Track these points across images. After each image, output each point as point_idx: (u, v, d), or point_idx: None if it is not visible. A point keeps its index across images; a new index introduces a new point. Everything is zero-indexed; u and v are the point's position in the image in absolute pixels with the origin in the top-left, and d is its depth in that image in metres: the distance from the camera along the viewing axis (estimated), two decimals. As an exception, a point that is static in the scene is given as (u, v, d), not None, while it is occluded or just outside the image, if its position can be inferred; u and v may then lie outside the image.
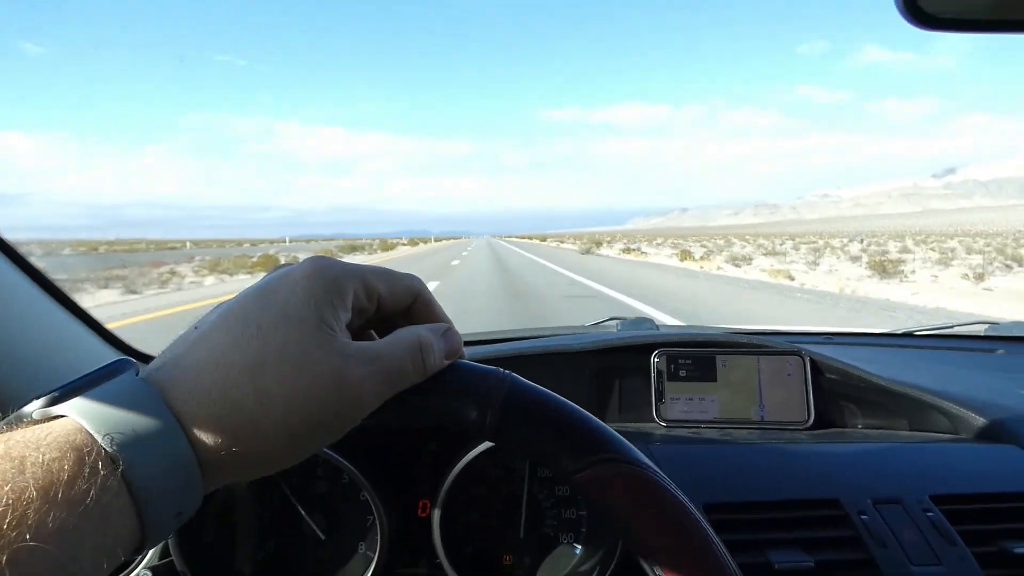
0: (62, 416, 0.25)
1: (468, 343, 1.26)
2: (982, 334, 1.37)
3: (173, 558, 0.58)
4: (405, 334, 0.33)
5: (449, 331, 0.35)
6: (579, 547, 0.67)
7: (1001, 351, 1.23)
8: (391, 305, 0.34)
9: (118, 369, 0.28)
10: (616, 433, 0.35)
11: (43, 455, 0.23)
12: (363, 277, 0.33)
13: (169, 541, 0.58)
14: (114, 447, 0.24)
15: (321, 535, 0.65)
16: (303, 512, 0.65)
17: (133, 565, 0.61)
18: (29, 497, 0.21)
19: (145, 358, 0.92)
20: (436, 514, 0.63)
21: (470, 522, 0.67)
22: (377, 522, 0.62)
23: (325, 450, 0.61)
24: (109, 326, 0.83)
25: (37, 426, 0.24)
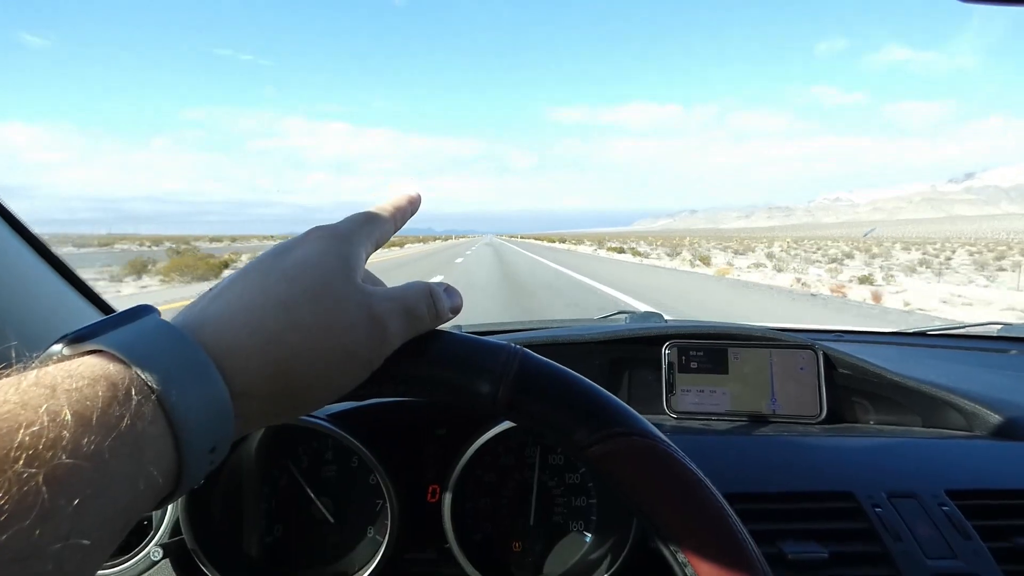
0: (93, 351, 0.25)
1: (477, 333, 1.25)
2: (995, 334, 1.36)
3: (184, 536, 0.58)
4: (415, 284, 0.35)
5: (450, 287, 0.38)
6: (589, 535, 0.66)
7: (1014, 352, 1.22)
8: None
9: (142, 311, 0.28)
10: (629, 407, 0.34)
11: (76, 382, 0.23)
12: (370, 230, 0.36)
13: (180, 518, 0.58)
14: (147, 376, 0.24)
15: (330, 518, 0.65)
16: (312, 495, 0.65)
17: (145, 540, 0.61)
18: (64, 420, 0.21)
19: None
20: (447, 499, 0.62)
21: (480, 508, 0.67)
22: (387, 506, 0.61)
23: (336, 429, 0.61)
24: None
25: (69, 360, 0.24)
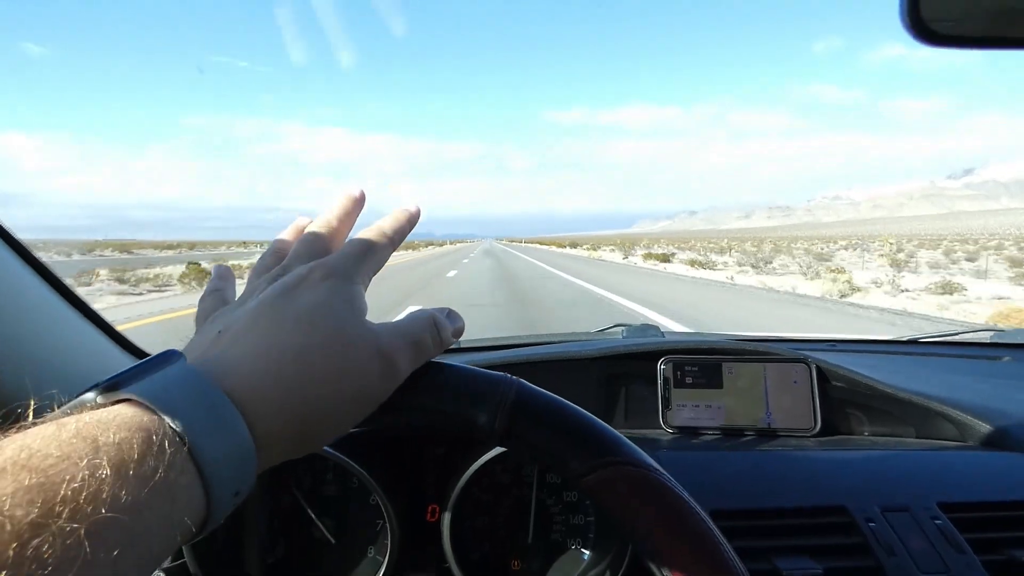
0: (125, 399, 0.26)
1: (475, 349, 1.26)
2: (987, 341, 1.37)
3: (186, 559, 0.58)
4: (419, 313, 0.37)
5: (452, 312, 0.39)
6: (587, 553, 0.67)
7: (1007, 358, 1.23)
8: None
9: (169, 358, 0.29)
10: (624, 437, 0.35)
11: (113, 435, 0.23)
12: (367, 262, 0.36)
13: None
14: (178, 426, 0.25)
15: (331, 538, 0.66)
16: (313, 515, 0.66)
17: None
18: (103, 474, 0.22)
19: None
20: (446, 518, 0.63)
21: (478, 527, 0.68)
22: (387, 526, 0.62)
23: (336, 453, 0.62)
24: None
25: (102, 409, 0.25)
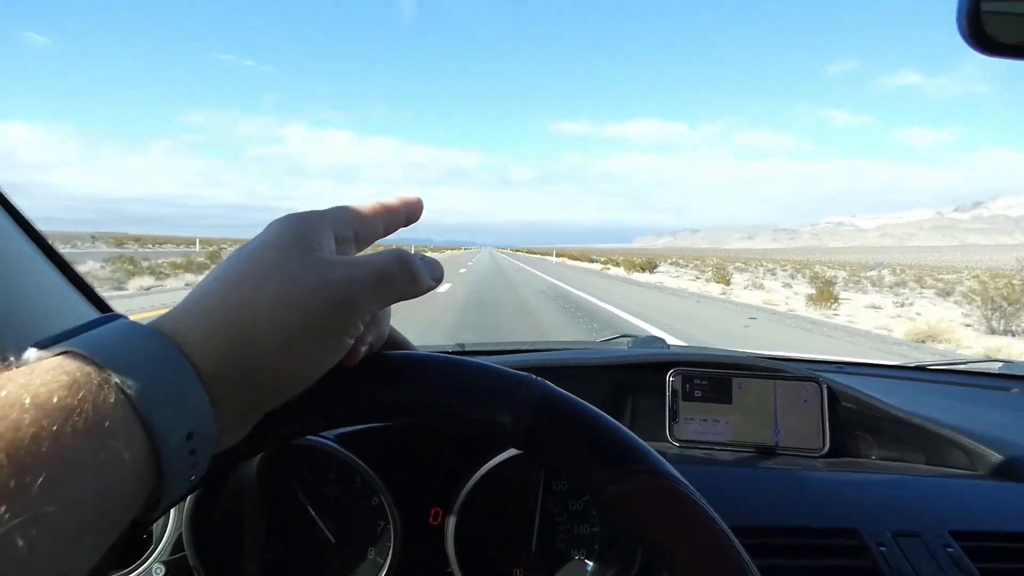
0: (60, 354, 0.25)
1: (481, 353, 1.25)
2: (996, 372, 1.36)
3: (186, 553, 0.57)
4: (387, 250, 0.34)
5: (426, 256, 0.36)
6: (591, 563, 0.66)
7: (1015, 390, 1.22)
8: (368, 231, 0.36)
9: (110, 318, 0.28)
10: (649, 447, 0.34)
11: (35, 377, 0.23)
12: (335, 213, 0.34)
13: (183, 535, 0.57)
14: (109, 366, 0.24)
15: (331, 538, 0.65)
16: (315, 514, 0.64)
17: (144, 556, 0.60)
18: (22, 404, 0.22)
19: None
20: (451, 522, 0.62)
21: (481, 533, 0.67)
22: (390, 527, 0.61)
23: (341, 449, 0.61)
24: None
25: (35, 363, 0.25)
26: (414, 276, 0.33)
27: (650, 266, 32.61)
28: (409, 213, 0.38)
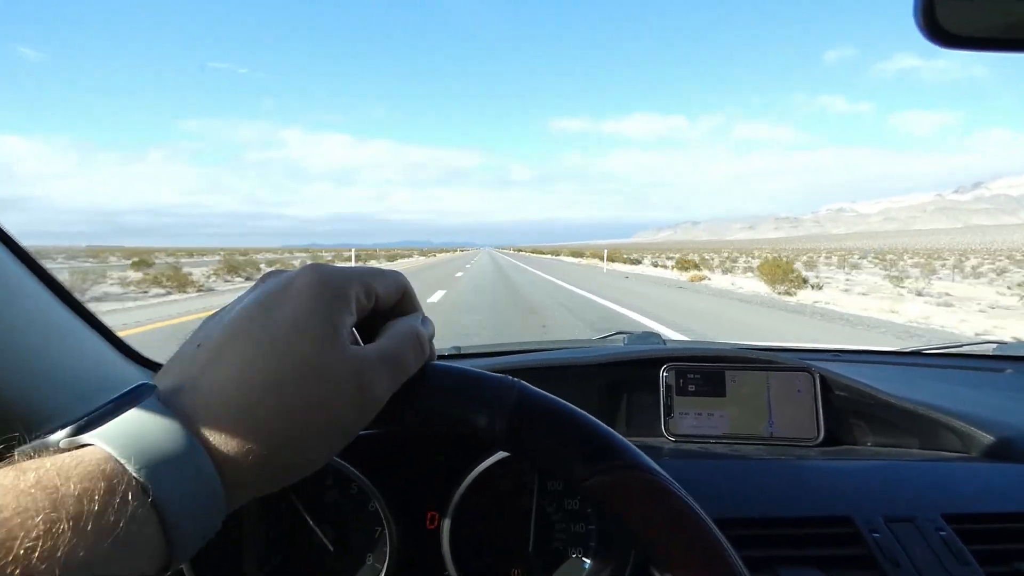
0: (90, 444, 0.25)
1: (476, 355, 1.25)
2: (990, 353, 1.37)
3: (183, 567, 0.57)
4: (401, 327, 0.35)
5: (426, 319, 0.38)
6: (588, 562, 0.66)
7: (1009, 371, 1.23)
8: (385, 302, 0.36)
9: (139, 395, 0.28)
10: (626, 440, 0.35)
11: (74, 485, 0.23)
12: (362, 279, 0.34)
13: None
14: (144, 477, 0.24)
15: (329, 546, 0.65)
16: (312, 522, 0.65)
17: None
18: (60, 529, 0.22)
19: (154, 365, 0.92)
20: (446, 525, 0.62)
21: (478, 535, 0.67)
22: (386, 533, 0.61)
23: (335, 459, 0.61)
24: None
25: (66, 454, 0.25)
26: (424, 357, 0.35)
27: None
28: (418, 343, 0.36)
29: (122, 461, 0.24)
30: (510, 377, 0.36)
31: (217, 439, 0.27)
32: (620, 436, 0.35)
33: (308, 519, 0.65)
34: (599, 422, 0.35)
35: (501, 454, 0.62)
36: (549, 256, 58.44)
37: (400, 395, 0.34)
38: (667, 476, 0.33)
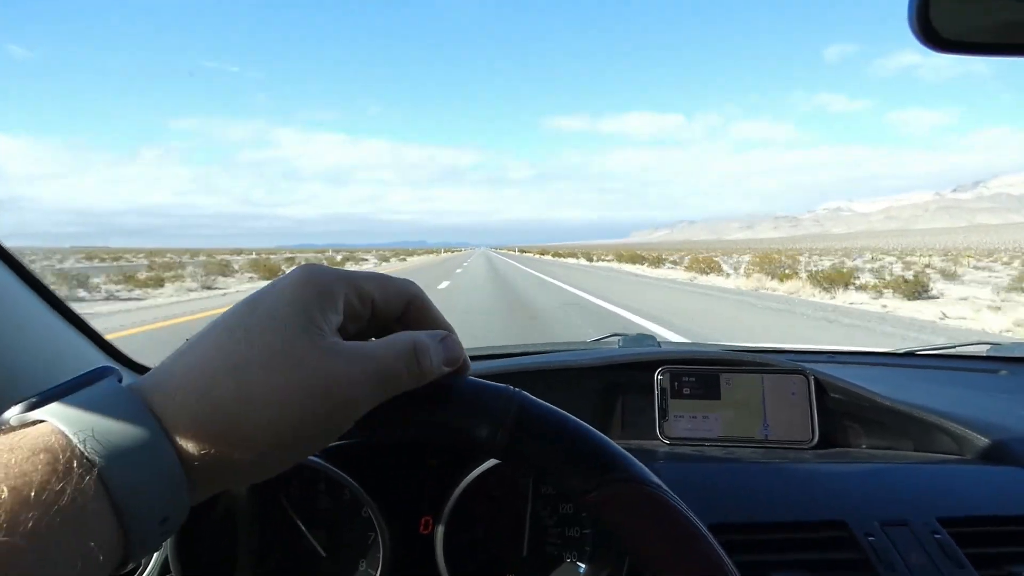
0: (40, 421, 0.25)
1: (471, 358, 1.25)
2: (984, 355, 1.37)
3: (172, 574, 0.57)
4: (401, 336, 0.32)
5: (448, 338, 0.34)
6: (583, 566, 0.66)
7: (1003, 372, 1.23)
8: (386, 310, 0.34)
9: (99, 375, 0.27)
10: (627, 453, 0.34)
11: (15, 456, 0.23)
12: (354, 281, 0.32)
13: (169, 556, 0.57)
14: (90, 449, 0.24)
15: (322, 552, 0.64)
16: (304, 528, 0.64)
17: None
18: (1, 498, 0.21)
19: (142, 369, 0.92)
20: (440, 531, 0.62)
21: (472, 540, 0.67)
22: (379, 539, 0.61)
23: (327, 465, 0.61)
24: None
25: (13, 432, 0.24)
26: (422, 372, 0.32)
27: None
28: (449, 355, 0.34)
29: (68, 434, 0.24)
30: (512, 388, 0.35)
31: (174, 419, 0.26)
32: (620, 448, 0.34)
33: (301, 525, 0.64)
34: (599, 434, 0.35)
35: (495, 460, 0.62)
36: (572, 260, 45.58)
37: (394, 406, 0.33)
38: (666, 489, 0.33)
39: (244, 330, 0.29)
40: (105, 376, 0.27)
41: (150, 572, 0.60)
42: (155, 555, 0.60)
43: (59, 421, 0.24)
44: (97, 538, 0.23)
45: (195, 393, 0.27)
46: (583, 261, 43.70)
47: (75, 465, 0.23)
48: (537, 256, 63.35)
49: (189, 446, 0.26)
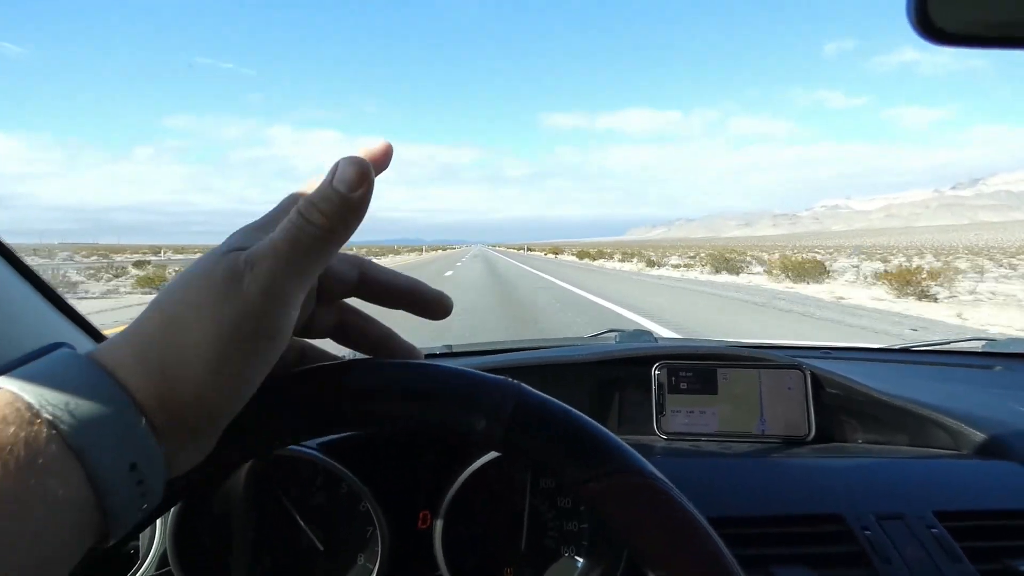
0: None
1: (468, 354, 1.24)
2: (980, 350, 1.38)
3: (171, 568, 0.57)
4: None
5: (341, 160, 0.29)
6: (581, 560, 0.66)
7: (999, 368, 1.24)
8: (336, 280, 0.34)
9: (53, 347, 0.28)
10: (626, 445, 0.34)
11: None
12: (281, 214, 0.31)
13: (167, 550, 0.57)
14: (41, 401, 0.24)
15: (320, 546, 0.64)
16: (301, 523, 0.64)
17: (131, 573, 0.60)
18: None
19: None
20: (438, 525, 0.62)
21: (471, 534, 0.67)
22: (377, 533, 0.61)
23: (325, 458, 0.61)
24: None
25: None
26: (325, 213, 0.27)
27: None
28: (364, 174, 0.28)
29: (15, 391, 0.24)
30: (510, 380, 0.35)
31: (118, 364, 0.27)
32: (618, 439, 0.34)
33: (298, 519, 0.64)
34: (599, 426, 0.35)
35: (494, 453, 0.62)
36: (586, 261, 37.60)
37: (393, 393, 0.33)
38: (666, 480, 0.33)
39: (177, 281, 0.29)
40: (59, 347, 0.28)
41: (148, 566, 0.60)
42: (153, 549, 0.60)
43: (12, 385, 0.24)
44: (61, 482, 0.23)
45: (139, 341, 0.27)
46: (624, 265, 29.98)
47: (24, 413, 0.23)
48: (553, 256, 51.21)
49: (142, 390, 0.26)
